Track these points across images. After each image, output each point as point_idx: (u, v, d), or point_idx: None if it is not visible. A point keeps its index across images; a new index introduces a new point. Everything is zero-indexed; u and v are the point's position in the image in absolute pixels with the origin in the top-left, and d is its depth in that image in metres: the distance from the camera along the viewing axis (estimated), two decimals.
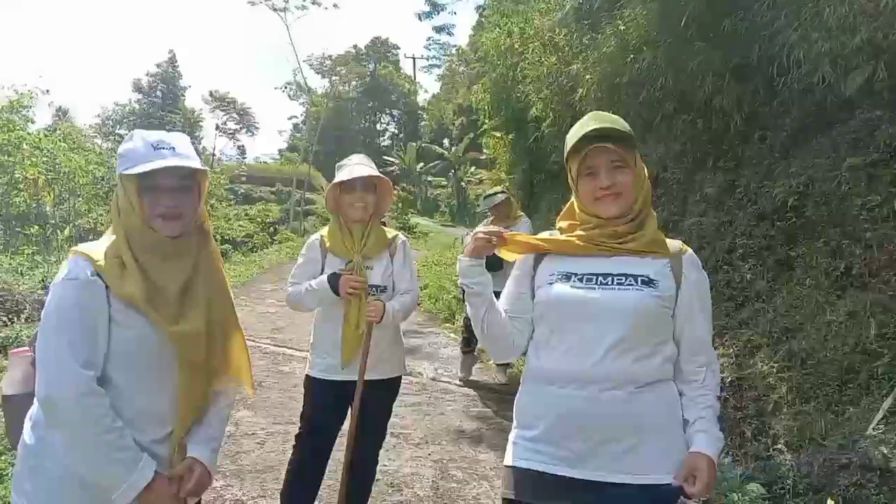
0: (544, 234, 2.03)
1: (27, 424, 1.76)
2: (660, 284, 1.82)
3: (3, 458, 4.02)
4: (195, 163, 1.78)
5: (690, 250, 1.93)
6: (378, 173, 3.14)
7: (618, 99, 7.62)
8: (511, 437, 1.96)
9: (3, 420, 2.02)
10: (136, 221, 1.75)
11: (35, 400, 1.72)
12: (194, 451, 1.81)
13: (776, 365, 4.51)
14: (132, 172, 1.72)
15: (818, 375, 4.17)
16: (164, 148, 1.75)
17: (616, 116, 1.92)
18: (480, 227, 2.04)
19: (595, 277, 1.84)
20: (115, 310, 1.69)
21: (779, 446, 4.17)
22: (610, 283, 1.82)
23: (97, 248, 1.74)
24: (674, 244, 1.92)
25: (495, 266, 2.02)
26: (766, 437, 4.30)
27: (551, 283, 1.89)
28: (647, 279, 1.81)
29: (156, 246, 1.77)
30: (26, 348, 1.92)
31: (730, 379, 4.81)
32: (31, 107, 14.42)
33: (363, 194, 3.08)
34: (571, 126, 1.96)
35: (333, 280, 3.02)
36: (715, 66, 5.92)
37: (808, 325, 4.45)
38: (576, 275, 1.87)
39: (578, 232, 1.92)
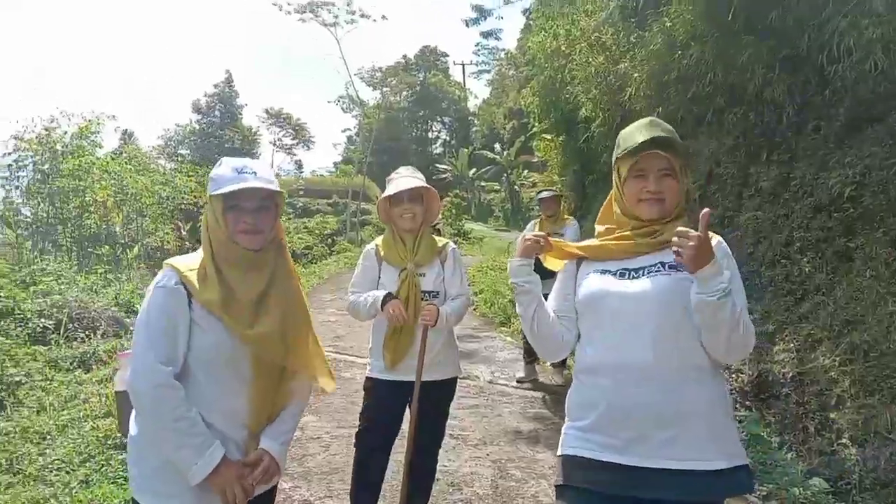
0: (587, 242, 2.12)
1: (132, 417, 1.99)
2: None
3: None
4: (273, 185, 1.99)
5: (717, 236, 1.96)
6: (424, 184, 3.27)
7: (667, 96, 7.59)
8: (563, 429, 2.04)
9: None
10: (221, 236, 1.97)
11: None
12: (265, 443, 2.01)
13: (838, 358, 4.43)
14: (218, 193, 1.94)
15: (881, 367, 4.09)
16: (246, 172, 1.97)
17: (669, 126, 2.00)
18: (528, 231, 2.16)
19: (627, 272, 1.94)
20: (197, 315, 1.92)
21: (843, 441, 4.11)
22: (641, 274, 1.91)
23: (185, 261, 1.99)
24: None
25: (546, 274, 2.13)
26: (830, 432, 4.24)
27: (587, 280, 2.00)
28: (674, 265, 1.86)
29: (238, 259, 1.99)
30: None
31: (791, 374, 4.75)
32: (99, 132, 15.15)
33: (411, 205, 3.23)
34: (622, 125, 2.04)
35: (386, 299, 3.17)
36: (764, 59, 5.86)
37: (870, 316, 4.35)
38: (609, 271, 1.97)
39: (616, 234, 2.03)
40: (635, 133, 1.95)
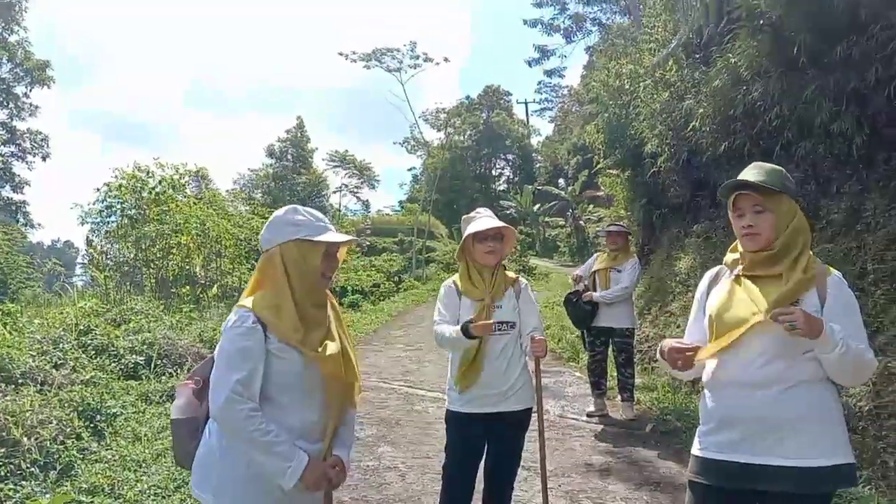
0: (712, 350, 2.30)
1: (216, 439, 2.21)
2: (806, 305, 2.16)
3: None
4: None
5: (835, 272, 2.28)
6: (504, 224, 3.54)
7: (733, 130, 7.61)
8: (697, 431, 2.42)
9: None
10: (314, 277, 2.24)
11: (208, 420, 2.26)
12: (337, 451, 2.29)
13: None
14: (324, 239, 2.23)
15: None
16: (326, 224, 2.29)
17: (771, 167, 2.34)
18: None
19: None
20: (274, 347, 2.15)
21: None
22: None
23: (257, 302, 2.20)
24: (820, 269, 2.27)
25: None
26: None
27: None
28: (794, 302, 2.17)
29: (319, 296, 2.30)
30: (189, 381, 2.39)
31: (867, 408, 4.68)
32: (188, 184, 15.99)
33: (493, 243, 3.49)
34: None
35: (465, 327, 3.35)
36: (830, 92, 5.87)
37: None
38: None
39: (739, 267, 2.36)
40: (731, 180, 2.33)
